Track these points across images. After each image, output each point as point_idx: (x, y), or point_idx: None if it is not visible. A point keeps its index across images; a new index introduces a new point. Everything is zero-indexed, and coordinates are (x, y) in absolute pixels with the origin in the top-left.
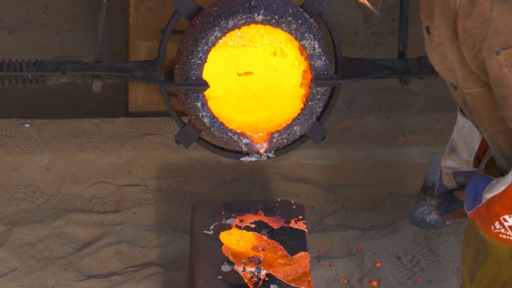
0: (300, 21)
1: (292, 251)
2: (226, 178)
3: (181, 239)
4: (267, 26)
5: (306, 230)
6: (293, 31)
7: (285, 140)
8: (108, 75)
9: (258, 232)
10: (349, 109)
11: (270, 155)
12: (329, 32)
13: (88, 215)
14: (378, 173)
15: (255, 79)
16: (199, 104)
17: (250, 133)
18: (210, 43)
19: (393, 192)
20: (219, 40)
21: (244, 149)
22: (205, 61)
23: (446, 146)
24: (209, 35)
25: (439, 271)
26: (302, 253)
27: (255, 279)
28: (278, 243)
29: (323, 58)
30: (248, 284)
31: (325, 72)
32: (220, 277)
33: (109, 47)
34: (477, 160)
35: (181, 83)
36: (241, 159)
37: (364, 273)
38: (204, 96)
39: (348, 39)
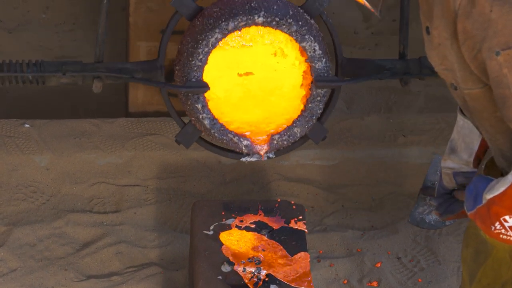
0: (300, 23)
1: (292, 251)
2: (226, 178)
3: (181, 239)
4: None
5: (306, 230)
6: (293, 33)
7: (285, 142)
8: (108, 76)
9: (258, 232)
10: (349, 109)
11: (270, 155)
12: (330, 33)
13: (88, 215)
14: (378, 173)
15: (255, 79)
16: (199, 106)
17: (250, 135)
18: (210, 45)
19: (393, 192)
20: (220, 42)
21: (245, 150)
22: (205, 63)
23: (446, 147)
24: (210, 37)
25: (439, 271)
26: (302, 253)
27: (255, 279)
28: (278, 244)
29: (324, 60)
30: (248, 284)
31: (326, 74)
32: (220, 277)
33: (109, 47)
34: (477, 160)
35: (182, 85)
36: (241, 159)
37: (364, 273)
38: (205, 98)
39: (348, 39)
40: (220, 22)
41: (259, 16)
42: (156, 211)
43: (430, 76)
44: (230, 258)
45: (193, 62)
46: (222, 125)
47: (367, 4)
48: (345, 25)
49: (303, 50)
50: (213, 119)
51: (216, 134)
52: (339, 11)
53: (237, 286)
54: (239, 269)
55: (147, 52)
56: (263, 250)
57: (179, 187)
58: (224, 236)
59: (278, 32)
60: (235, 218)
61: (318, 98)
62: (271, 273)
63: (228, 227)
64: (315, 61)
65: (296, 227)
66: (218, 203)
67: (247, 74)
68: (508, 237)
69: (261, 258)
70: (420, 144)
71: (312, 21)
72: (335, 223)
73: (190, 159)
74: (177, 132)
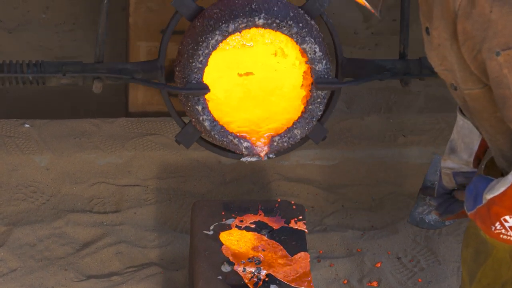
0: (301, 25)
1: (292, 251)
2: (226, 178)
3: (181, 239)
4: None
5: (306, 230)
6: (294, 35)
7: (285, 144)
8: (108, 77)
9: (258, 232)
10: (349, 109)
11: (271, 155)
12: (330, 33)
13: (88, 215)
14: (378, 173)
15: (256, 79)
16: (199, 108)
17: (250, 136)
18: (211, 47)
19: (393, 192)
20: (220, 44)
21: (245, 152)
22: (205, 64)
23: (446, 147)
24: (210, 38)
25: (439, 271)
26: (302, 253)
27: (255, 279)
28: (278, 243)
29: (324, 62)
30: (248, 284)
31: (326, 76)
32: (220, 277)
33: (109, 47)
34: (477, 160)
35: (182, 86)
36: (241, 160)
37: (364, 273)
38: (205, 99)
39: (348, 39)
40: (220, 24)
41: (259, 18)
42: (156, 211)
43: (430, 76)
44: (230, 258)
45: (194, 64)
46: (222, 127)
47: (367, 4)
48: (345, 25)
49: (303, 52)
50: (213, 120)
51: (217, 136)
52: (339, 11)
53: (237, 286)
54: (239, 269)
55: (147, 52)
56: (263, 250)
57: (179, 187)
58: (224, 236)
59: (278, 33)
60: (235, 218)
61: (319, 100)
62: (271, 273)
63: (228, 227)
64: (316, 63)
65: (296, 227)
66: (218, 203)
67: (247, 74)
68: (508, 237)
69: (261, 258)
70: (420, 144)
71: (313, 22)
72: (335, 223)
73: (190, 159)
74: (177, 132)
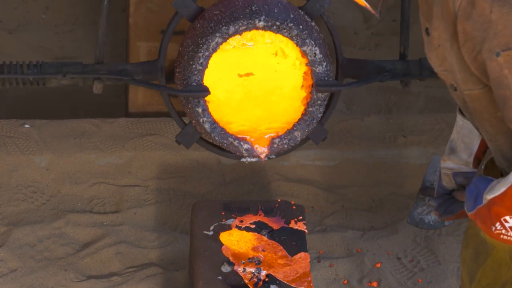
0: (301, 27)
1: (292, 252)
2: (226, 178)
3: (181, 240)
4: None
5: (306, 231)
6: (294, 37)
7: (285, 146)
8: (109, 78)
9: (258, 232)
10: (349, 109)
11: (271, 156)
12: (330, 34)
13: (88, 215)
14: (378, 173)
15: (256, 80)
16: (200, 110)
17: (250, 137)
18: (211, 49)
19: (393, 192)
20: (220, 46)
21: (245, 154)
22: (206, 66)
23: (446, 147)
24: (210, 41)
25: (439, 271)
26: (302, 254)
27: (255, 279)
28: (278, 244)
29: (324, 64)
30: (248, 285)
31: (326, 78)
32: (220, 277)
33: (110, 48)
34: (477, 160)
35: (182, 88)
36: (241, 160)
37: (364, 273)
38: (205, 101)
39: (348, 39)
40: (220, 26)
41: (259, 21)
42: (156, 211)
43: (431, 77)
44: (230, 258)
45: (194, 66)
46: (222, 129)
47: (366, 5)
48: (345, 25)
49: (303, 54)
50: (213, 122)
51: (217, 138)
52: (339, 12)
53: (237, 287)
54: (239, 269)
55: (147, 52)
56: (263, 250)
57: (179, 187)
58: (224, 237)
59: (279, 35)
60: (235, 218)
61: (319, 102)
62: (271, 273)
63: (228, 228)
64: (316, 65)
65: (296, 228)
66: (218, 203)
67: (247, 74)
68: (509, 238)
69: (261, 258)
70: (420, 144)
71: (313, 24)
72: (335, 223)
73: (190, 160)
74: (177, 132)
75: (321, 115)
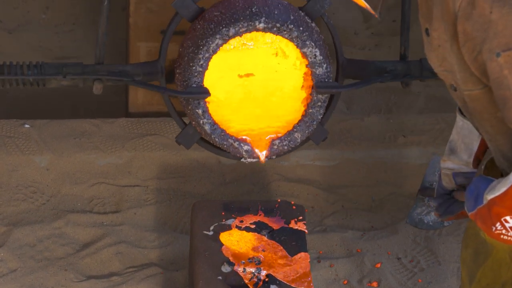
0: (301, 28)
1: (292, 252)
2: (226, 178)
3: (181, 240)
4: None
5: (306, 231)
6: (294, 39)
7: (285, 147)
8: (109, 79)
9: (258, 232)
10: (349, 110)
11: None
12: (331, 34)
13: (88, 215)
14: (378, 173)
15: (256, 80)
16: (200, 111)
17: (250, 138)
18: (211, 51)
19: (393, 192)
20: (220, 47)
21: (245, 155)
22: (206, 68)
23: (446, 147)
24: (210, 42)
25: (439, 271)
26: (302, 254)
27: (255, 279)
28: (278, 244)
29: (324, 65)
30: (248, 285)
31: (326, 80)
32: (220, 277)
33: (110, 48)
34: (477, 160)
35: (182, 90)
36: (241, 160)
37: (364, 273)
38: (205, 103)
39: (348, 39)
40: (221, 27)
41: (260, 22)
42: (156, 211)
43: (431, 78)
44: (230, 258)
45: (194, 67)
46: (222, 130)
47: (366, 6)
48: (345, 25)
49: (304, 55)
50: (213, 124)
51: (217, 139)
52: (339, 12)
53: (237, 287)
54: (239, 269)
55: (147, 52)
56: (263, 250)
57: (179, 187)
58: (224, 237)
59: (279, 37)
60: (235, 218)
61: (319, 104)
62: (271, 273)
63: (228, 228)
64: (316, 67)
65: (296, 228)
66: (218, 203)
67: (247, 75)
68: (509, 238)
69: (261, 258)
70: (420, 144)
71: (313, 25)
72: (335, 223)
73: (190, 160)
74: (178, 132)
75: (321, 116)
